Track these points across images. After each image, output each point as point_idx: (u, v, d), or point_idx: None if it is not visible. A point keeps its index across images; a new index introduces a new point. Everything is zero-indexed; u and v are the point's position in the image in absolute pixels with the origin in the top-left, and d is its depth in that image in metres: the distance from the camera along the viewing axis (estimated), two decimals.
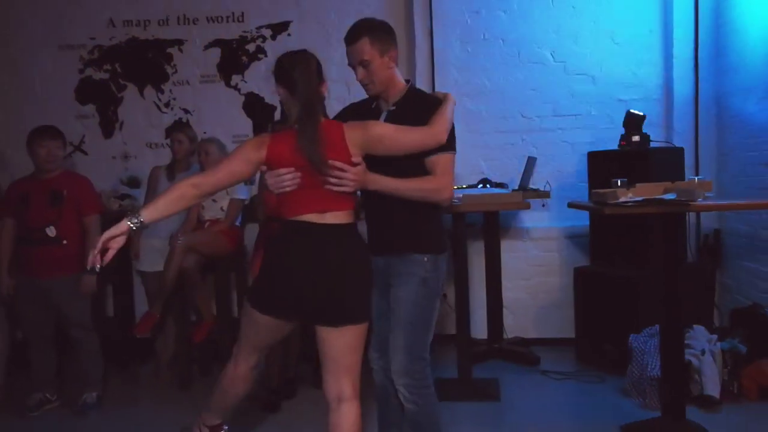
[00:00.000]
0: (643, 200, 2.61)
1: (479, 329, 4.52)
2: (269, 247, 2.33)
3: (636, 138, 4.02)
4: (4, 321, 3.84)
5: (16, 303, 3.67)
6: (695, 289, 4.01)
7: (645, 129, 4.11)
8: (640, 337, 3.51)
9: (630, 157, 3.99)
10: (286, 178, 2.14)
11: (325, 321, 2.20)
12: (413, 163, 2.28)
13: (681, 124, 4.49)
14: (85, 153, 4.97)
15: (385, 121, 2.35)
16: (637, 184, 2.83)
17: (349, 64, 2.40)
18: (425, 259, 2.32)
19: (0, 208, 3.67)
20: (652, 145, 4.09)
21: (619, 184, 2.85)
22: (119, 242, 2.02)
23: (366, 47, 2.31)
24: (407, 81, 2.47)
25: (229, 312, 4.08)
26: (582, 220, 4.39)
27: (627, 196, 2.71)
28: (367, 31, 2.33)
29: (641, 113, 4.07)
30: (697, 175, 4.27)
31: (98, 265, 1.99)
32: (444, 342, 4.50)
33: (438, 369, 4.19)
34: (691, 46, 4.43)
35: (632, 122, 4.09)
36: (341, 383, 2.23)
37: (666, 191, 2.76)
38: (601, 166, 4.10)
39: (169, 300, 3.83)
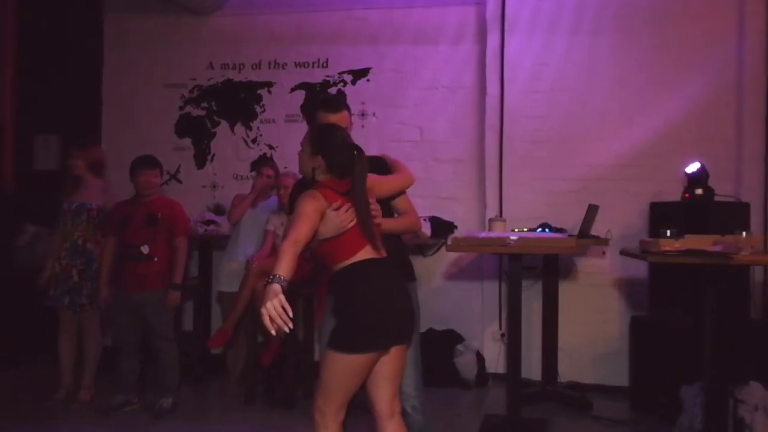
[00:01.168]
0: (686, 251, 2.70)
1: (535, 371, 4.60)
2: (343, 293, 2.37)
3: (699, 191, 4.07)
4: (98, 328, 4.28)
5: (110, 313, 4.11)
6: (757, 346, 3.95)
7: (713, 182, 4.15)
8: (691, 389, 3.52)
9: (692, 209, 4.04)
10: (348, 212, 2.35)
11: (404, 340, 2.41)
12: (384, 205, 2.62)
13: (750, 178, 4.48)
14: (180, 181, 5.48)
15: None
16: (687, 236, 2.93)
17: None
18: (414, 285, 2.68)
19: (105, 228, 4.15)
20: (717, 198, 4.12)
21: (668, 234, 2.96)
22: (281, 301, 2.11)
23: (347, 117, 2.72)
24: None
25: (296, 336, 4.36)
26: (642, 269, 4.43)
27: (673, 247, 2.81)
28: (345, 105, 2.75)
29: (705, 168, 4.12)
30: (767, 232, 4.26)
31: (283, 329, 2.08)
32: (497, 380, 4.62)
33: (487, 406, 4.32)
34: (764, 100, 4.45)
35: (697, 176, 4.14)
36: (394, 400, 2.43)
37: (715, 244, 2.85)
38: (663, 217, 4.16)
39: (242, 320, 4.16)
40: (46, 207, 4.44)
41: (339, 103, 2.78)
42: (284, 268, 2.17)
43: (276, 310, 2.03)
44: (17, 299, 4.88)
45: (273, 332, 2.08)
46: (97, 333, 4.26)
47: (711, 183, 4.21)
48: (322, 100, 2.66)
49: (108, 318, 4.24)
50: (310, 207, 2.33)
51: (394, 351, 2.39)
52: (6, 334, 4.90)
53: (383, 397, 2.39)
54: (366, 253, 2.38)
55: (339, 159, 2.41)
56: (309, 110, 2.75)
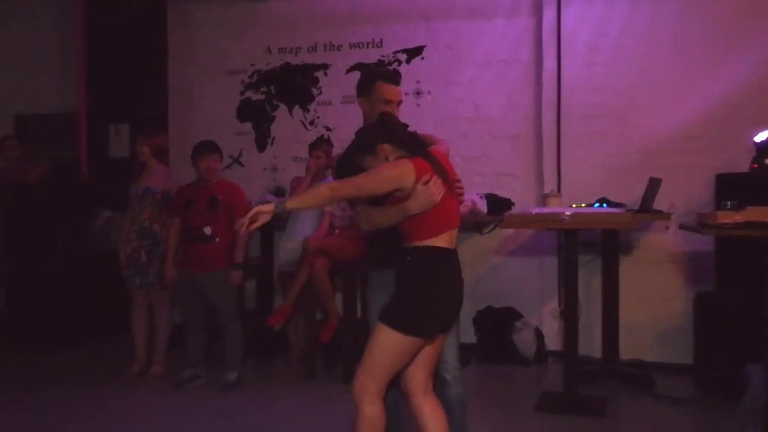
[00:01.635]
0: (745, 223, 2.60)
1: (595, 349, 4.53)
2: (418, 274, 2.33)
3: None
4: (167, 306, 4.51)
5: (177, 292, 4.33)
6: None
7: None
8: (756, 367, 3.38)
9: (761, 181, 3.85)
10: (438, 185, 2.32)
11: (450, 327, 2.49)
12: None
13: None
14: (242, 165, 5.65)
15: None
16: (748, 207, 2.81)
17: (385, 101, 2.65)
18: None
19: (170, 210, 4.35)
20: None
21: (728, 206, 2.85)
22: (265, 218, 2.33)
23: (401, 93, 2.70)
24: None
25: (354, 313, 4.46)
26: (708, 245, 4.27)
27: (733, 219, 2.71)
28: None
29: None
30: None
31: (246, 229, 2.29)
32: (556, 357, 4.58)
33: (545, 383, 4.30)
34: None
35: (766, 145, 3.94)
36: (428, 379, 2.45)
37: None
38: (730, 190, 3.96)
39: (301, 297, 4.29)
40: (119, 192, 4.71)
41: (398, 75, 2.79)
42: (294, 199, 2.34)
43: (248, 216, 2.26)
44: (95, 280, 5.20)
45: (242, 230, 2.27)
46: (166, 311, 4.49)
47: None
48: (383, 72, 2.66)
49: (176, 296, 4.45)
50: (392, 172, 2.31)
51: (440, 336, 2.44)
52: (86, 312, 5.23)
53: (419, 376, 2.41)
54: (445, 240, 2.36)
55: (402, 135, 2.40)
56: (366, 81, 2.71)
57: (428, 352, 2.40)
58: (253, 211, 2.30)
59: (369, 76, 2.73)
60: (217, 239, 4.13)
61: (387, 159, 2.38)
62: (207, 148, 4.20)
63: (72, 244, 5.22)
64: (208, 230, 4.13)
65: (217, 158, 4.22)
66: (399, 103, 2.70)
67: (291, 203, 2.40)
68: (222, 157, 4.35)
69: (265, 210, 2.31)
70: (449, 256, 2.38)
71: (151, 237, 4.36)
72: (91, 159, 5.79)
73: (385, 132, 2.41)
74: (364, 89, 2.70)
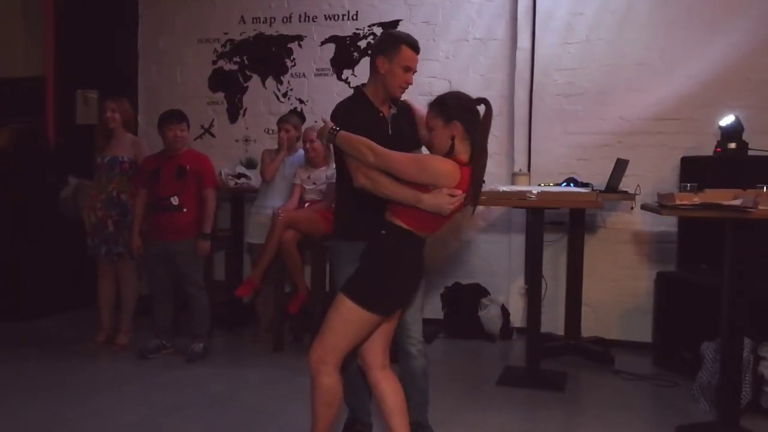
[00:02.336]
0: (701, 204, 2.65)
1: (560, 326, 4.60)
2: (390, 252, 2.32)
3: (732, 145, 3.94)
4: (134, 275, 4.48)
5: (144, 261, 4.30)
6: None
7: (750, 136, 4.01)
8: (712, 345, 3.48)
9: (724, 164, 3.92)
10: (459, 205, 2.28)
11: (407, 306, 2.54)
12: None
13: None
14: (213, 135, 5.59)
15: (390, 123, 2.63)
16: (707, 190, 2.87)
17: (406, 67, 2.57)
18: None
19: (137, 180, 4.30)
20: (752, 153, 3.98)
21: (688, 188, 2.90)
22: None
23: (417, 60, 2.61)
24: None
25: (322, 286, 4.47)
26: (672, 226, 4.35)
27: (690, 200, 2.76)
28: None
29: (740, 121, 3.97)
30: None
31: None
32: (522, 334, 4.65)
33: (509, 358, 4.37)
34: None
35: (730, 129, 4.01)
36: (385, 352, 2.48)
37: (735, 198, 2.78)
38: (695, 172, 4.04)
39: (269, 270, 4.29)
40: (87, 160, 4.64)
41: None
42: (346, 140, 2.33)
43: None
44: (62, 249, 5.14)
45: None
46: (132, 280, 4.45)
47: (747, 137, 4.07)
48: (409, 37, 2.54)
49: (143, 266, 4.42)
50: (441, 169, 2.25)
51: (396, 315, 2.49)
52: (51, 281, 5.18)
53: (376, 349, 2.44)
54: (423, 233, 2.35)
55: (473, 118, 2.32)
56: (392, 42, 2.58)
57: (385, 327, 2.44)
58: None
59: (394, 37, 2.61)
60: (185, 209, 4.10)
61: (452, 139, 2.30)
62: (174, 117, 4.14)
63: (39, 214, 5.14)
64: (175, 200, 4.09)
65: (184, 127, 4.17)
66: (414, 72, 2.63)
67: (342, 138, 2.35)
68: (189, 126, 4.28)
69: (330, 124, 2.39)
70: (421, 244, 2.38)
71: (119, 207, 4.31)
72: (58, 126, 5.67)
73: (470, 115, 2.34)
74: (387, 50, 2.56)
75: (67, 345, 4.44)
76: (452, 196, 2.23)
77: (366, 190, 2.32)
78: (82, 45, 5.60)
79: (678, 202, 2.66)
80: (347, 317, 2.29)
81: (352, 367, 2.60)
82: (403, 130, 2.62)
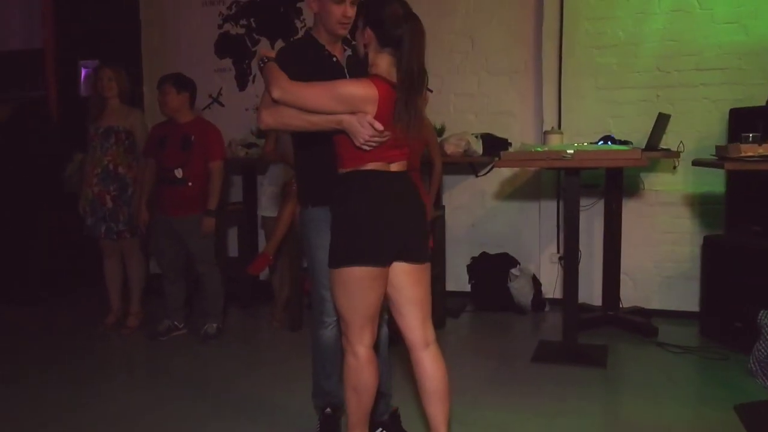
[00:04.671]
0: None
1: (596, 296, 4.30)
2: (339, 204, 2.11)
3: None
4: (140, 254, 4.23)
5: (153, 237, 4.05)
6: None
7: None
8: None
9: None
10: (380, 139, 2.03)
11: (414, 258, 2.16)
12: None
13: None
14: (222, 104, 5.30)
15: (346, 66, 2.34)
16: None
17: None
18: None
19: (145, 149, 4.02)
20: None
21: (750, 138, 2.56)
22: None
23: None
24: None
25: None
26: (718, 185, 3.99)
27: (756, 152, 2.42)
28: None
29: None
30: None
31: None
32: (555, 305, 4.37)
33: (543, 332, 4.09)
34: None
35: None
36: (426, 327, 2.20)
37: None
38: (746, 125, 3.67)
39: (283, 244, 4.02)
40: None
41: None
42: (271, 71, 2.05)
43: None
44: (68, 227, 4.92)
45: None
46: (139, 259, 4.21)
47: None
48: None
49: (150, 242, 4.17)
50: (352, 89, 2.01)
51: (407, 272, 2.16)
52: (60, 262, 4.98)
53: (410, 325, 2.19)
54: (380, 164, 2.08)
55: (391, 30, 2.03)
56: None
57: (407, 296, 2.16)
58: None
59: None
60: (189, 183, 3.82)
61: (365, 47, 2.09)
62: (162, 81, 3.85)
63: (43, 191, 4.92)
64: (179, 173, 3.82)
65: (171, 90, 3.81)
66: (354, 3, 2.25)
67: (264, 70, 2.09)
68: (188, 90, 3.90)
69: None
70: (384, 177, 2.08)
71: (117, 181, 4.02)
72: (62, 98, 5.42)
73: (389, 26, 2.03)
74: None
75: (77, 329, 4.24)
76: (372, 126, 1.98)
77: (271, 128, 2.11)
78: (82, 14, 5.32)
79: (744, 153, 2.32)
80: (341, 286, 2.10)
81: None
82: (359, 67, 2.24)
